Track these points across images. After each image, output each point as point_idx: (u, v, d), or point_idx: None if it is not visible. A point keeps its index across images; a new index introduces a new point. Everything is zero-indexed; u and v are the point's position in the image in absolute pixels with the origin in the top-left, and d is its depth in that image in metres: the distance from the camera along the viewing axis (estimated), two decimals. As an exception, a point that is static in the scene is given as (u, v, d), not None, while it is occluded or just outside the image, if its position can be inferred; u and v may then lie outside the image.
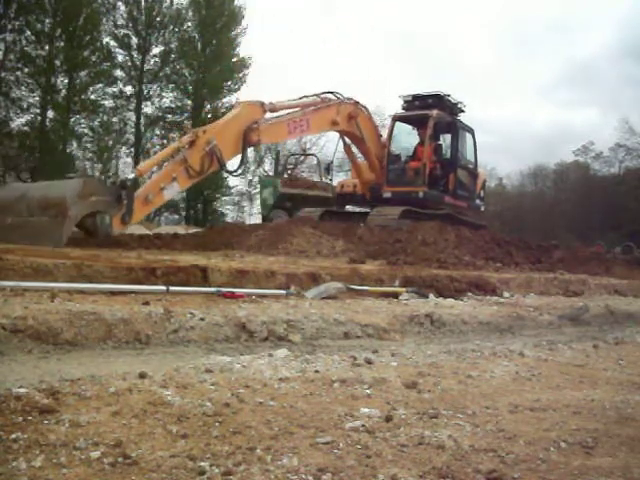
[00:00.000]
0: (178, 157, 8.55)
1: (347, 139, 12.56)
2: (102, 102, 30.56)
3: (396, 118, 13.18)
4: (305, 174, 32.87)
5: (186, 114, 33.59)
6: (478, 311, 5.88)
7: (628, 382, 3.27)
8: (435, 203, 12.59)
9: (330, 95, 11.37)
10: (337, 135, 12.53)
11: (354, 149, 13.03)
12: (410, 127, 13.63)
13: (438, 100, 13.02)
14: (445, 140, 13.36)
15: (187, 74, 33.25)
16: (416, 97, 13.28)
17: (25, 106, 27.50)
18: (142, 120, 32.43)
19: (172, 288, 4.76)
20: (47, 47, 27.46)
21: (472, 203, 13.96)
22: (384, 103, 50.09)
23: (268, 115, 10.08)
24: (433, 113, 12.48)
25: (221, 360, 3.02)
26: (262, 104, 9.94)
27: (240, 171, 9.44)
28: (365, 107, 12.23)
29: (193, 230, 17.39)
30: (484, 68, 71.28)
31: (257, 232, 10.63)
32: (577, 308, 6.71)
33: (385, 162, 12.71)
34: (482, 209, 15.08)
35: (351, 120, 11.65)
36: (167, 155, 8.64)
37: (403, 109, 13.44)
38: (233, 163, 10.05)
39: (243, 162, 9.55)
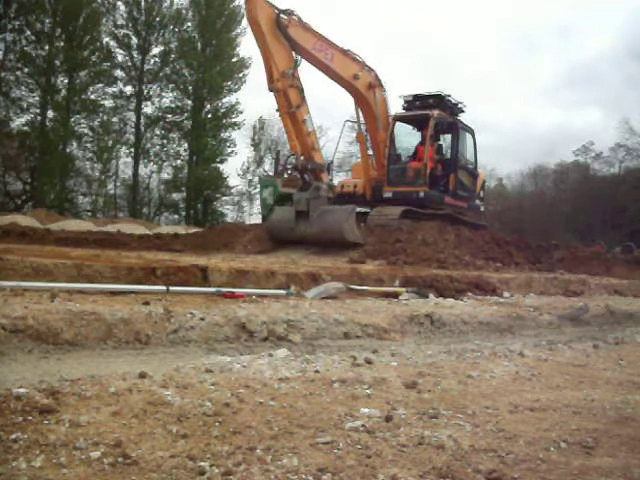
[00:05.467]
0: (292, 110, 10.06)
1: (362, 119, 12.61)
2: (102, 102, 30.66)
3: (397, 118, 13.16)
4: (305, 174, 32.87)
5: (186, 114, 33.62)
6: (478, 311, 5.88)
7: (628, 382, 3.27)
8: (435, 203, 12.58)
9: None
10: (337, 135, 12.68)
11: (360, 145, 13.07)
12: (411, 127, 13.63)
13: (439, 100, 13.03)
14: (445, 140, 13.36)
15: (187, 74, 33.30)
16: (417, 97, 13.28)
17: (25, 106, 27.62)
18: (142, 120, 32.49)
19: (172, 288, 4.76)
20: (47, 47, 27.51)
21: (472, 203, 13.96)
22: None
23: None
24: (434, 113, 12.48)
25: (221, 360, 3.02)
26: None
27: (299, 60, 10.39)
28: (384, 87, 12.41)
29: (193, 230, 17.39)
30: (486, 68, 71.23)
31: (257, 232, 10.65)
32: (577, 308, 6.69)
33: (386, 162, 12.71)
34: (482, 209, 15.07)
35: (370, 89, 11.79)
36: (289, 121, 10.15)
37: (404, 109, 13.44)
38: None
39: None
